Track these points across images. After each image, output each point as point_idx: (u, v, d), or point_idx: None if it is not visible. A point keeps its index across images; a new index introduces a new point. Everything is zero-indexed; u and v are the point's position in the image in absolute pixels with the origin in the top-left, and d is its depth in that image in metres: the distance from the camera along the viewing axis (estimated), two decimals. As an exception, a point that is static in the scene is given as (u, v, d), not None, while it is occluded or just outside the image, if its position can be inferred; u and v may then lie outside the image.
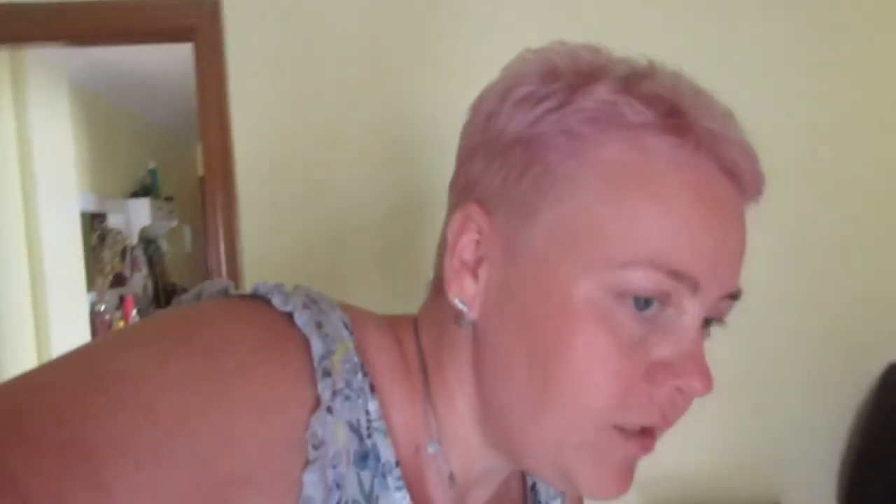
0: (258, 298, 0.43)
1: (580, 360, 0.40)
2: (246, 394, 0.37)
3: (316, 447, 0.39)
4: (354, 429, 0.42)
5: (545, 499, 0.59)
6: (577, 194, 0.41)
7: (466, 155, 0.47)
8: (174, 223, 4.28)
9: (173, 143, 4.84)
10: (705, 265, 0.40)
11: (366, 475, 0.42)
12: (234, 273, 1.57)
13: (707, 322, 0.43)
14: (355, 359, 0.43)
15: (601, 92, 0.41)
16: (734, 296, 0.43)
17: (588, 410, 0.41)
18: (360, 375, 0.43)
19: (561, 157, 0.42)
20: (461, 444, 0.48)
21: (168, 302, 4.12)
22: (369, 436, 0.43)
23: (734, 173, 0.42)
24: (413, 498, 0.44)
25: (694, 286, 0.40)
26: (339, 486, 0.40)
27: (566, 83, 0.42)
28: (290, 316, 0.41)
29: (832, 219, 1.62)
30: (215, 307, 0.42)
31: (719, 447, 1.64)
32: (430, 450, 0.46)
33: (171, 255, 4.35)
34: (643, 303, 0.40)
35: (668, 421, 0.43)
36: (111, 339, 0.39)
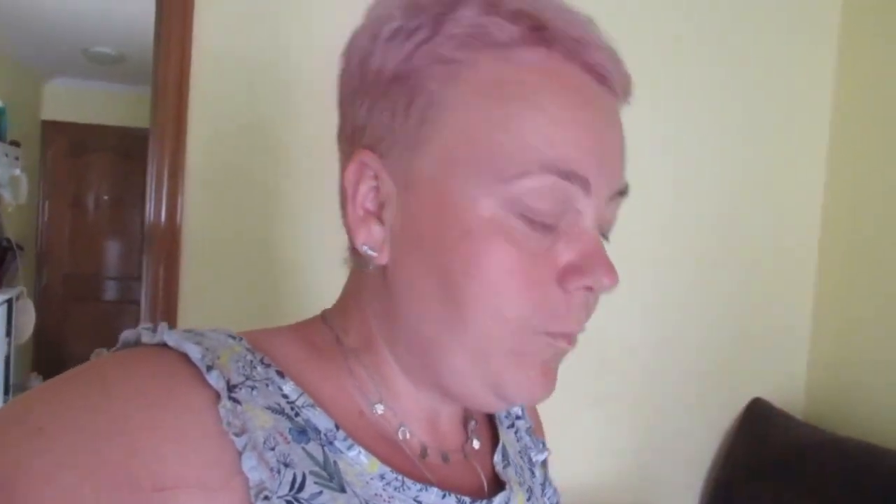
0: (129, 345, 0.45)
1: (491, 275, 0.42)
2: (140, 397, 0.39)
3: (238, 434, 0.39)
4: (277, 411, 0.42)
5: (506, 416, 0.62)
6: (462, 117, 0.43)
7: (347, 102, 0.48)
8: (17, 171, 3.81)
9: (21, 80, 4.31)
10: (593, 163, 0.43)
11: (313, 447, 0.42)
12: (173, 237, 1.46)
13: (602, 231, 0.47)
14: (248, 356, 0.44)
15: (467, 16, 0.43)
16: (622, 192, 0.47)
17: (506, 321, 0.43)
18: (260, 368, 0.44)
19: (440, 84, 0.43)
20: (404, 396, 0.49)
21: (2, 260, 3.66)
22: (297, 414, 0.43)
23: (603, 76, 0.45)
24: (376, 455, 0.45)
25: (586, 185, 0.43)
26: (286, 464, 0.40)
27: (431, 13, 0.44)
28: (164, 345, 0.43)
29: (719, 270, 1.88)
30: (92, 361, 0.43)
31: (602, 461, 1.83)
32: (377, 410, 0.48)
33: (8, 207, 3.86)
34: (542, 211, 0.43)
35: (583, 324, 0.46)
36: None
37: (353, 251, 0.50)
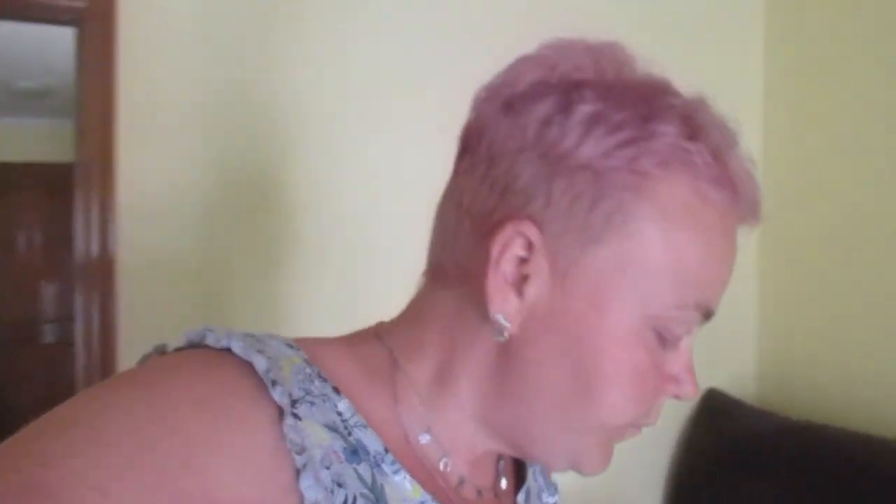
0: (194, 346, 0.44)
1: (627, 380, 0.45)
2: (201, 409, 0.38)
3: (299, 453, 0.39)
4: (333, 429, 0.42)
5: None
6: (643, 232, 0.44)
7: (503, 148, 0.46)
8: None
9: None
10: (715, 303, 0.48)
11: (363, 469, 0.43)
12: (107, 271, 1.39)
13: None
14: (307, 369, 0.44)
15: (672, 134, 0.44)
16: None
17: (621, 418, 0.46)
18: (317, 382, 0.44)
19: (632, 195, 0.43)
20: (458, 431, 0.49)
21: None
22: (349, 433, 0.43)
23: (747, 218, 0.48)
24: (418, 482, 0.46)
25: (710, 318, 0.48)
26: (339, 484, 0.40)
27: (635, 112, 0.44)
28: (227, 350, 0.43)
29: None
30: (154, 360, 0.43)
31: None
32: (423, 439, 0.48)
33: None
34: (675, 334, 0.46)
35: None
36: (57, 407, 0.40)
37: (442, 282, 0.50)
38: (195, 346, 0.44)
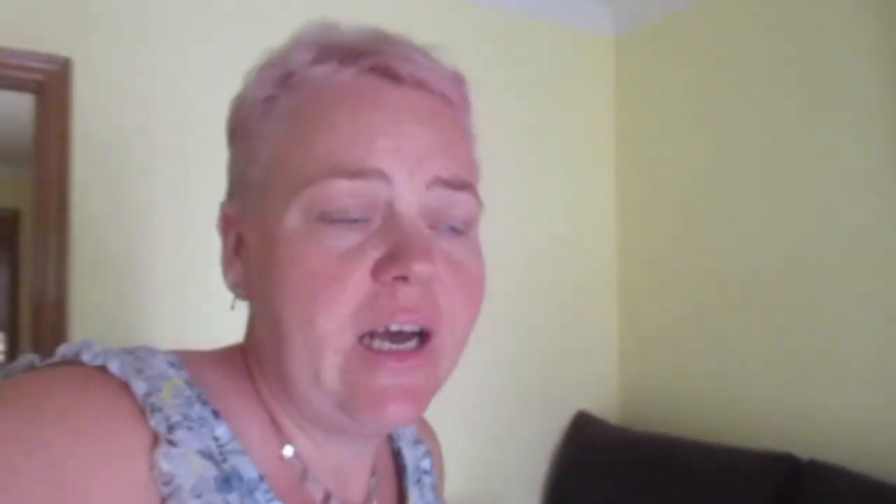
0: (67, 362, 0.43)
1: (298, 279, 0.42)
2: (74, 439, 0.38)
3: (166, 483, 0.39)
4: (208, 456, 0.42)
5: (412, 462, 0.61)
6: (266, 147, 0.46)
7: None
8: None
9: None
10: (388, 156, 0.43)
11: (233, 498, 0.42)
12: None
13: (454, 230, 0.47)
14: (188, 391, 0.43)
15: (281, 56, 0.47)
16: (449, 183, 0.45)
17: (319, 327, 0.42)
18: (197, 406, 0.43)
19: (255, 122, 0.47)
20: (305, 441, 0.49)
21: None
22: (224, 460, 0.43)
23: (395, 76, 0.46)
24: None
25: (383, 176, 0.43)
26: None
27: (260, 68, 0.49)
28: (103, 368, 0.42)
29: (538, 290, 2.18)
30: (20, 380, 0.41)
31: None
32: (286, 453, 0.48)
33: None
34: (341, 212, 0.43)
35: (417, 317, 0.43)
36: None
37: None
38: (69, 362, 0.43)
